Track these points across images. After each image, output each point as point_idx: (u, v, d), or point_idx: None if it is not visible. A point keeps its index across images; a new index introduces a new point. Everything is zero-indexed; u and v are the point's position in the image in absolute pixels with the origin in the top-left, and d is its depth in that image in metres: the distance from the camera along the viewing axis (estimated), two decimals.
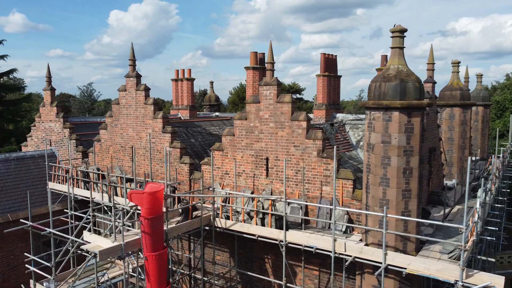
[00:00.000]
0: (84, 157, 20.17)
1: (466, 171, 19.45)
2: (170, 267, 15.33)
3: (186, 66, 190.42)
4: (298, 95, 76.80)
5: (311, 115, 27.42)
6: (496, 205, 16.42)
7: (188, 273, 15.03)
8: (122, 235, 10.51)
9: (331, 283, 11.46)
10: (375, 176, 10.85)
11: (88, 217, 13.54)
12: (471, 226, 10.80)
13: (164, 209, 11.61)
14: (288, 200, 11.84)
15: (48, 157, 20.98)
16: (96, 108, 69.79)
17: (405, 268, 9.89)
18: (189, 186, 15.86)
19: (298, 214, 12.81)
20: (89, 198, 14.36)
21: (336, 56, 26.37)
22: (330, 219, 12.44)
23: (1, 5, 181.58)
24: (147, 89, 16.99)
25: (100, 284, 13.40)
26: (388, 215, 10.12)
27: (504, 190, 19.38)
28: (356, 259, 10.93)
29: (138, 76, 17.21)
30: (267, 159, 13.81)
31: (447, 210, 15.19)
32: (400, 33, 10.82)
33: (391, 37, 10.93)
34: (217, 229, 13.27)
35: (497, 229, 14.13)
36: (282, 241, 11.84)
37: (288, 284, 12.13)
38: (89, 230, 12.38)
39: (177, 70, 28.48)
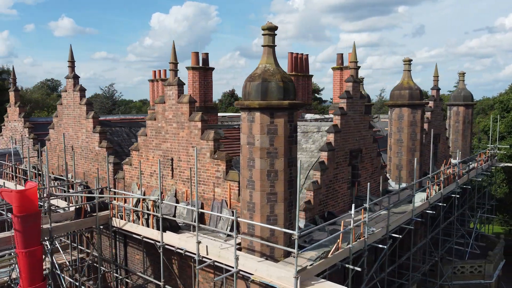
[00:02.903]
0: (40, 155, 20.88)
1: (415, 174, 18.56)
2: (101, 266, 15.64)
3: (224, 67, 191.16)
4: (316, 95, 75.80)
5: None
6: (428, 211, 15.46)
7: (107, 270, 15.23)
8: None
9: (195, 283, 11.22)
10: (244, 179, 10.55)
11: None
12: (336, 233, 10.28)
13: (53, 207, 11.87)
14: (164, 202, 11.74)
15: (14, 155, 22.00)
16: (116, 108, 71.96)
17: (252, 274, 9.55)
18: (113, 186, 16.05)
19: (193, 216, 12.67)
20: None
21: (307, 55, 25.85)
22: (219, 222, 12.23)
23: (52, 10, 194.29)
24: (82, 90, 17.36)
25: (12, 279, 13.90)
26: (239, 219, 9.81)
27: (454, 195, 18.15)
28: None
29: (76, 77, 17.61)
30: (172, 159, 13.75)
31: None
32: (269, 31, 10.44)
33: (262, 34, 10.57)
34: (113, 228, 13.37)
35: (400, 236, 13.23)
36: (159, 242, 11.76)
37: (166, 286, 12.02)
38: None
39: (154, 71, 28.85)
